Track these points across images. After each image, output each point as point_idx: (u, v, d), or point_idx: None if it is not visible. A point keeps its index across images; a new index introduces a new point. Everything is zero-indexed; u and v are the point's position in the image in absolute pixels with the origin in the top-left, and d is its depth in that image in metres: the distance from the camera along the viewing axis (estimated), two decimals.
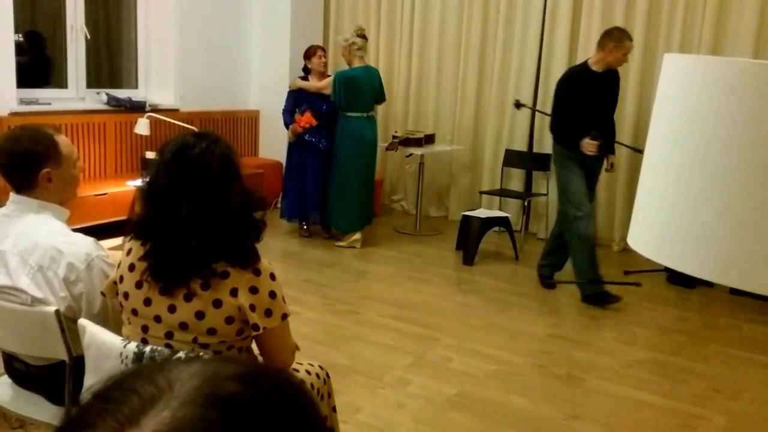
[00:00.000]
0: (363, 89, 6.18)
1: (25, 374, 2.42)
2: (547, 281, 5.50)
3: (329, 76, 6.42)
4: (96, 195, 5.94)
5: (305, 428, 0.58)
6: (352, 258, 6.03)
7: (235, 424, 0.52)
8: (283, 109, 6.51)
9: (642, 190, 1.23)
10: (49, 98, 6.33)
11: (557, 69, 6.65)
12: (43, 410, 2.40)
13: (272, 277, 2.02)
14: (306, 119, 6.20)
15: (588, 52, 6.45)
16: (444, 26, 7.33)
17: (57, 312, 2.15)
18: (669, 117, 1.15)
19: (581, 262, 5.09)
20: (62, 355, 2.21)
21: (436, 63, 7.42)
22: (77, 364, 2.19)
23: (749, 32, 5.75)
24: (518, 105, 6.18)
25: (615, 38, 4.91)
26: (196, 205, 1.94)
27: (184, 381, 0.55)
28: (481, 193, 6.90)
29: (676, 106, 1.13)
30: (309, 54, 6.45)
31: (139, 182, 6.01)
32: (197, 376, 0.55)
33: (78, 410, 0.55)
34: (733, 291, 5.38)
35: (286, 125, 6.43)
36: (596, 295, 5.12)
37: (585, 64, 5.10)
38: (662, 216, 1.14)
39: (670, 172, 1.13)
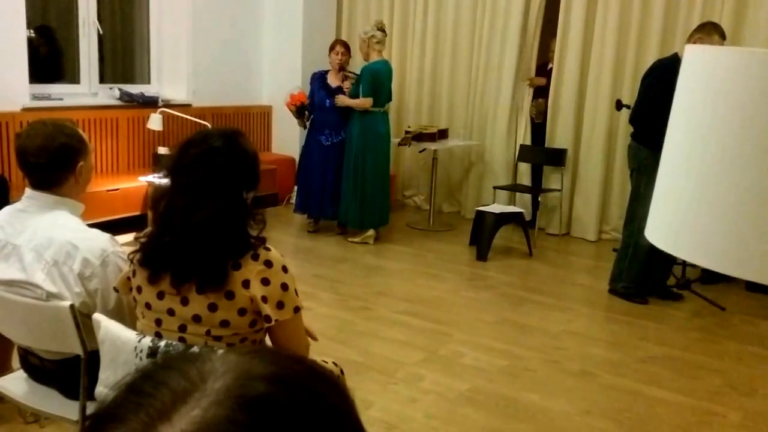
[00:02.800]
0: (384, 84, 6.21)
1: (40, 369, 2.43)
2: (671, 291, 5.25)
3: (348, 72, 6.42)
4: (108, 190, 5.96)
5: (336, 428, 0.57)
6: (364, 253, 6.03)
7: (262, 426, 0.52)
8: None
9: (660, 184, 1.21)
10: (62, 93, 6.35)
11: (571, 63, 6.63)
12: (57, 405, 2.41)
13: (284, 269, 2.02)
14: (299, 96, 6.30)
15: (605, 44, 6.43)
16: (458, 20, 7.30)
17: (71, 306, 2.15)
18: (689, 109, 1.14)
19: (638, 270, 5.02)
20: (77, 349, 2.21)
21: (450, 57, 7.39)
22: (92, 358, 2.20)
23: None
24: (620, 106, 5.71)
25: (704, 31, 4.61)
26: (171, 204, 1.96)
27: (217, 376, 0.55)
28: (495, 188, 6.87)
29: (697, 99, 1.12)
30: (330, 48, 6.44)
31: (150, 177, 6.03)
32: (230, 373, 0.55)
33: (110, 403, 0.55)
34: (749, 287, 5.35)
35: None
36: (634, 293, 5.14)
37: (676, 57, 4.78)
38: (681, 209, 1.13)
39: (689, 165, 1.11)
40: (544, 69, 6.98)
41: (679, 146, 1.15)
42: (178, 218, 1.95)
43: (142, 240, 2.03)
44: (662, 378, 3.92)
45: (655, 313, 4.93)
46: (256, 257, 1.98)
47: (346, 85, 6.33)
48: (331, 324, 4.44)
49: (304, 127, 6.54)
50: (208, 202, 1.93)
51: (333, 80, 6.38)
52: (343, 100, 6.20)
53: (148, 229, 2.07)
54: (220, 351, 0.59)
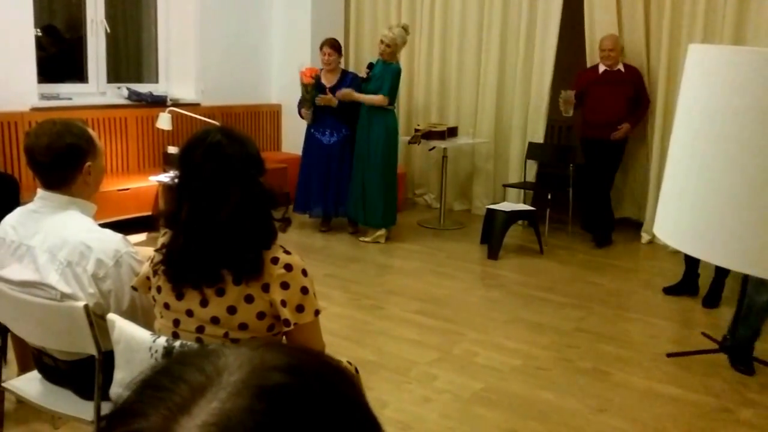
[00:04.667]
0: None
1: (54, 369, 2.42)
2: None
3: (348, 71, 6.39)
4: (118, 190, 5.95)
5: (349, 415, 0.59)
6: (376, 252, 6.01)
7: (280, 414, 0.54)
8: (298, 103, 6.51)
9: (668, 181, 1.23)
10: (70, 93, 6.34)
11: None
12: (72, 405, 2.40)
13: (304, 273, 2.01)
14: (313, 69, 6.19)
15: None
16: (465, 17, 7.28)
17: (86, 307, 2.15)
18: (694, 108, 1.15)
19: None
20: (91, 349, 2.20)
21: (458, 55, 7.37)
22: (106, 359, 2.19)
23: None
24: None
25: None
26: (194, 208, 1.94)
27: (232, 370, 0.56)
28: (505, 186, 6.85)
29: (702, 97, 1.13)
30: (319, 48, 6.35)
31: (161, 177, 6.03)
32: (244, 366, 0.56)
33: (127, 399, 0.56)
34: None
35: (302, 116, 6.43)
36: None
37: None
38: (688, 207, 1.15)
39: (696, 163, 1.13)
40: (594, 72, 6.31)
41: (684, 145, 1.17)
42: (204, 220, 1.93)
43: (164, 252, 2.01)
44: (674, 376, 3.90)
45: (665, 310, 4.91)
46: (275, 261, 1.97)
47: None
48: (344, 323, 4.43)
49: (310, 120, 6.34)
50: (230, 196, 1.92)
51: (326, 80, 6.30)
52: (350, 94, 6.12)
53: (165, 237, 2.05)
54: (232, 346, 0.60)
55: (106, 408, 2.27)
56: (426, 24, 7.54)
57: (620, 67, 6.23)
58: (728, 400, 3.64)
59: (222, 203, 1.92)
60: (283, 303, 1.95)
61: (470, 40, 7.28)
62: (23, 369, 2.69)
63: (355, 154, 6.25)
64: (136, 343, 1.98)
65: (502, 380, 3.76)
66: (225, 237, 1.92)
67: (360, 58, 7.55)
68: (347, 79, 6.29)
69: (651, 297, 5.15)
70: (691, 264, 5.09)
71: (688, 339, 4.46)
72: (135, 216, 5.94)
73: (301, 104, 6.35)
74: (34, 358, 2.50)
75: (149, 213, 6.10)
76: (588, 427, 3.34)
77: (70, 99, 6.25)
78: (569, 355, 4.12)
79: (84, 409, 2.35)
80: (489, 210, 6.13)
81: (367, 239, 6.27)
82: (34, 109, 5.86)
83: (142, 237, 5.85)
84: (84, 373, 2.30)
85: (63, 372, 2.40)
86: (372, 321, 4.52)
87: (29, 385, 2.50)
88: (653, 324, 4.65)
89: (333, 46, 6.30)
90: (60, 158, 2.26)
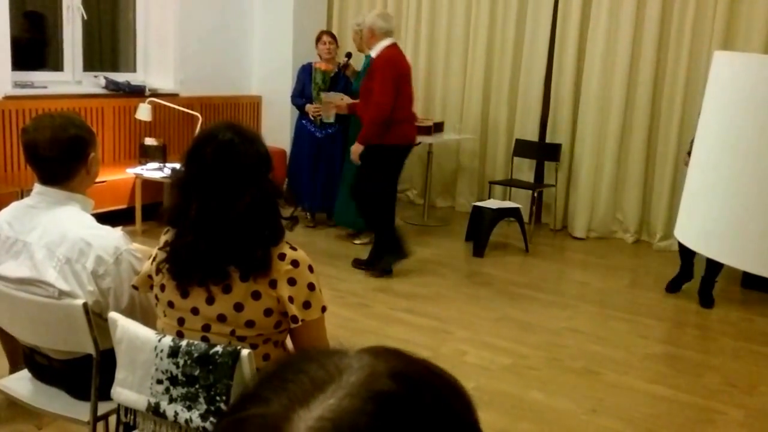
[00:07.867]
0: None
1: (47, 368, 2.34)
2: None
3: (339, 62, 6.29)
4: (94, 183, 5.78)
5: (453, 428, 0.61)
6: (360, 249, 5.91)
7: (387, 418, 0.56)
8: (292, 95, 6.41)
9: (691, 185, 1.23)
10: (45, 81, 6.16)
11: (568, 57, 6.57)
12: (64, 405, 2.33)
13: (310, 269, 2.00)
14: (325, 65, 6.13)
15: (596, 44, 6.39)
16: (453, 11, 7.21)
17: (84, 305, 2.08)
18: (720, 115, 1.15)
19: None
20: (89, 348, 2.14)
21: (445, 49, 7.30)
22: (103, 358, 2.13)
23: (761, 26, 5.69)
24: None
25: None
26: (204, 206, 1.91)
27: (352, 372, 0.59)
28: (491, 183, 6.80)
29: (728, 104, 1.14)
30: (316, 39, 6.30)
31: (138, 169, 5.91)
32: (364, 369, 0.59)
33: (253, 386, 0.60)
34: (745, 284, 5.35)
35: (300, 109, 6.32)
36: None
37: None
38: (713, 212, 1.15)
39: (721, 169, 1.13)
40: None
41: (710, 149, 1.17)
42: (214, 218, 1.89)
43: (168, 250, 1.96)
44: (664, 376, 3.91)
45: (654, 310, 4.92)
46: (282, 257, 1.95)
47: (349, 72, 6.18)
48: (330, 321, 4.26)
49: (329, 119, 6.13)
50: (243, 193, 1.89)
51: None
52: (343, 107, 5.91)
53: (169, 235, 1.99)
54: (355, 349, 0.63)
55: (102, 408, 2.20)
56: (413, 16, 7.45)
57: (373, 52, 5.15)
58: (719, 401, 3.66)
59: (233, 201, 1.89)
60: (291, 299, 1.94)
61: (457, 33, 7.20)
62: (14, 365, 2.60)
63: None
64: (141, 343, 1.91)
65: (492, 380, 3.74)
66: (235, 235, 1.89)
67: (343, 51, 7.44)
68: (341, 74, 6.22)
69: (639, 296, 5.17)
70: (687, 258, 5.10)
71: (678, 339, 4.47)
72: (111, 210, 5.76)
73: (303, 98, 6.24)
74: (25, 357, 2.42)
75: (125, 206, 5.96)
76: (580, 428, 3.33)
77: (44, 87, 6.07)
78: (559, 354, 4.10)
79: (77, 410, 2.28)
80: (475, 207, 6.07)
81: (364, 241, 6.03)
82: (8, 98, 5.69)
83: (117, 231, 5.70)
84: (78, 373, 2.24)
85: (56, 371, 2.32)
86: (359, 319, 4.47)
87: (19, 384, 2.42)
88: (643, 323, 4.65)
89: (332, 35, 6.31)
90: (66, 151, 2.20)
